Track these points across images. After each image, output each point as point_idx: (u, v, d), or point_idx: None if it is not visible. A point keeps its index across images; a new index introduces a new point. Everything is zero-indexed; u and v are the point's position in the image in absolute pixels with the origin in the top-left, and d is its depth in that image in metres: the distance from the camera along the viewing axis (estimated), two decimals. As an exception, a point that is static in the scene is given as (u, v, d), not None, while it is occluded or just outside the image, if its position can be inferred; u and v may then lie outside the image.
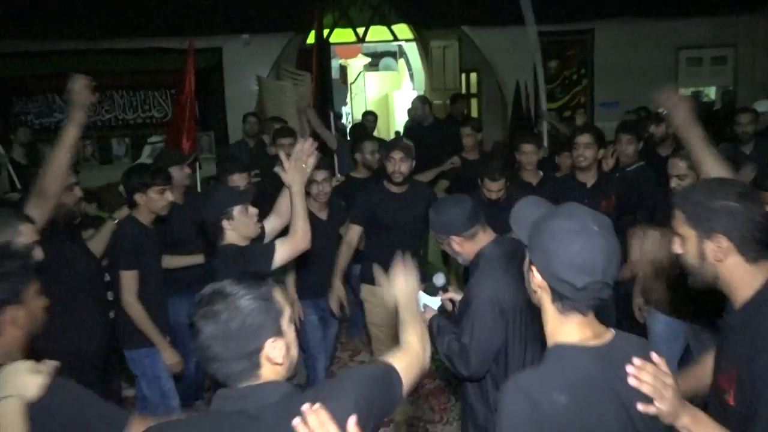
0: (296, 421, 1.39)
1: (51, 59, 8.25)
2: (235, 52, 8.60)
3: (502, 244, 2.60)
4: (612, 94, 9.10)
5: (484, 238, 2.62)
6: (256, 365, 1.46)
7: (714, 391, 1.80)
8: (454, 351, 2.53)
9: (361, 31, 9.80)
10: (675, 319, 3.54)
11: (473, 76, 10.70)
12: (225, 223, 2.95)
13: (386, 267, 2.03)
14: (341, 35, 9.91)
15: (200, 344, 1.45)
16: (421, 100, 7.08)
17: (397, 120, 12.60)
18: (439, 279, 2.84)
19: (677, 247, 1.78)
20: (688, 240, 1.74)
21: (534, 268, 1.56)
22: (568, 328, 1.54)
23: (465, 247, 2.62)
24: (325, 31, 9.02)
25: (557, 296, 1.52)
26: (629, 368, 1.49)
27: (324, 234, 3.95)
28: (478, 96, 10.40)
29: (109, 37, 8.07)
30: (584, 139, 4.15)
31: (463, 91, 10.28)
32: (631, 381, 1.49)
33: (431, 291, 2.88)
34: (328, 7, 8.03)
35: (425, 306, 2.77)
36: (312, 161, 2.87)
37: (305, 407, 1.40)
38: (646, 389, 1.50)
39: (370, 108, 10.97)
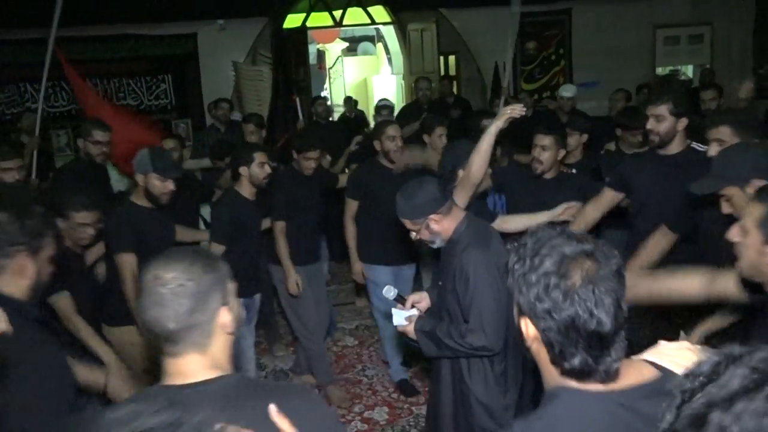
0: None
1: (21, 48, 8.06)
2: (210, 38, 8.47)
3: (470, 216, 2.64)
4: (591, 74, 9.10)
5: (458, 211, 2.61)
6: None
7: None
8: (460, 332, 2.48)
9: (338, 14, 9.68)
10: None
11: (452, 58, 10.63)
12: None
13: None
14: (318, 19, 9.79)
15: None
16: (428, 81, 7.07)
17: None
18: (389, 292, 2.77)
19: None
20: None
21: None
22: None
23: (444, 224, 2.57)
24: (302, 16, 8.95)
25: None
26: None
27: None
28: (457, 78, 10.33)
29: (81, 25, 7.90)
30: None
31: (442, 73, 10.22)
32: None
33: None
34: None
35: (407, 319, 2.71)
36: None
37: None
38: None
39: (348, 93, 10.88)
